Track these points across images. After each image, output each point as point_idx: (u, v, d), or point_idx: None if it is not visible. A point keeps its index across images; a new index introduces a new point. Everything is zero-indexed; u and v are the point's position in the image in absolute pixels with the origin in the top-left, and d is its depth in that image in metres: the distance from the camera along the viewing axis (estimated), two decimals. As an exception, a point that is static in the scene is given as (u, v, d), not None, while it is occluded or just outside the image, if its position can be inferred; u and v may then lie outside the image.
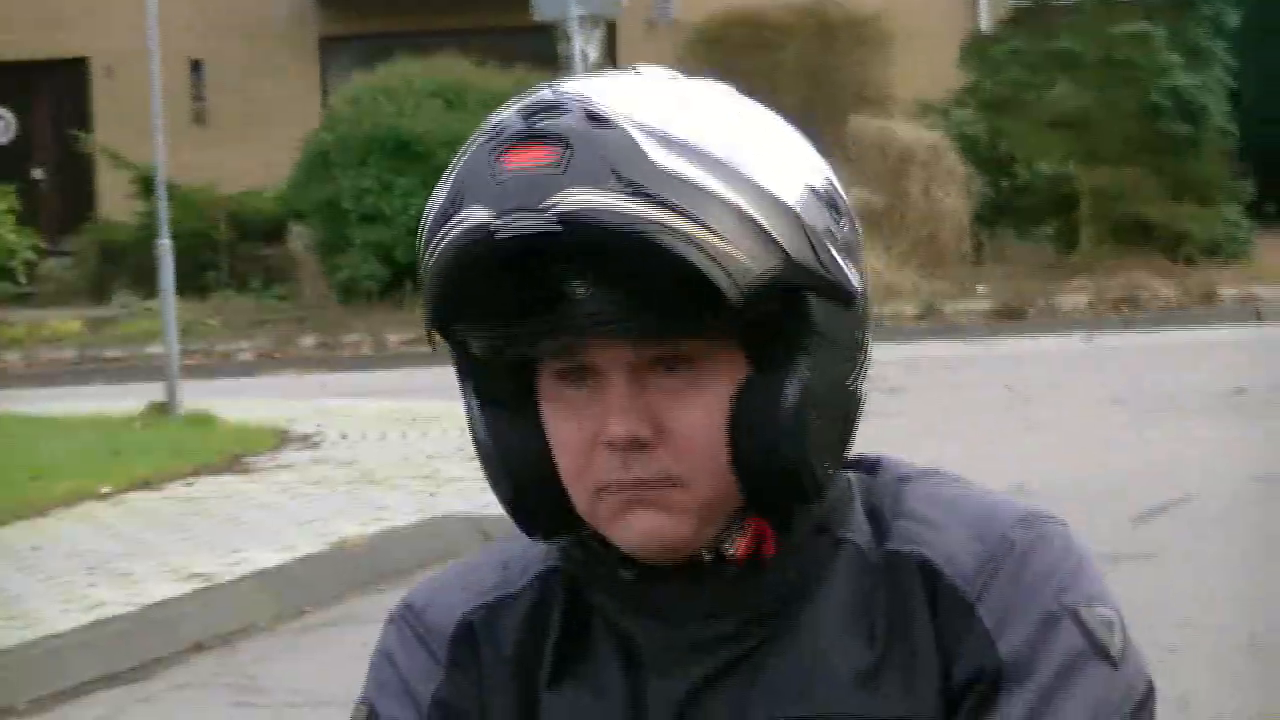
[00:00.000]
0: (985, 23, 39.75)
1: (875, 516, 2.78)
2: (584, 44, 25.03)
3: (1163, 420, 22.50)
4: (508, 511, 2.74)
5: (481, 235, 2.52)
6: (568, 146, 2.51)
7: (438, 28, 39.43)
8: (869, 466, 2.83)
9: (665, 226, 2.48)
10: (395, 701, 2.88)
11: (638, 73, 2.69)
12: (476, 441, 2.74)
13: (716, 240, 2.51)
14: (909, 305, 33.26)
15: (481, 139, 2.59)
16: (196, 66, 39.99)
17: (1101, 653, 2.70)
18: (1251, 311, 32.74)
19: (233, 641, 15.06)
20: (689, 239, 2.49)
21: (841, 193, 2.71)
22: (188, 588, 15.85)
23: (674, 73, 2.71)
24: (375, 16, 40.86)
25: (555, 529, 2.73)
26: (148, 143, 28.22)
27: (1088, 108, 37.11)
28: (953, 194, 35.93)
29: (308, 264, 37.25)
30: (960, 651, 2.70)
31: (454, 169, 2.61)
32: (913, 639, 2.72)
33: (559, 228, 2.48)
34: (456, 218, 2.55)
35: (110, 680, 14.10)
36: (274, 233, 38.23)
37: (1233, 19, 38.38)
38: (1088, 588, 2.74)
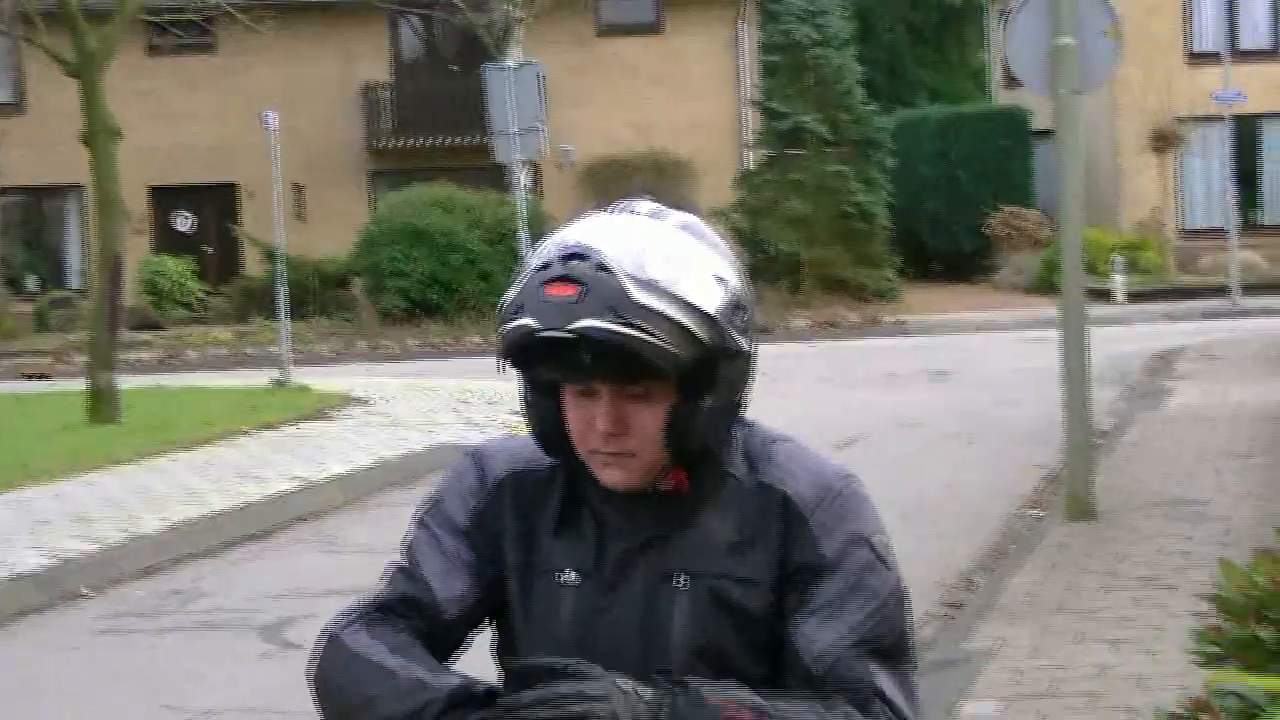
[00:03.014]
0: (751, 163, 39.82)
1: (750, 457, 2.81)
2: (521, 175, 25.03)
3: (852, 391, 22.65)
4: (537, 444, 2.79)
5: (530, 333, 2.58)
6: (584, 287, 2.57)
7: (437, 165, 39.36)
8: (743, 422, 2.83)
9: (635, 340, 2.56)
10: (455, 502, 2.88)
11: (633, 211, 2.70)
12: (525, 408, 2.78)
13: (663, 346, 2.58)
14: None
15: (536, 266, 2.63)
16: (299, 187, 39.80)
17: (883, 563, 2.76)
18: (901, 329, 32.92)
19: (321, 516, 15.09)
20: (648, 345, 2.57)
21: (746, 290, 2.74)
22: (295, 485, 15.85)
23: (657, 208, 2.72)
24: (400, 159, 40.80)
25: (560, 453, 2.77)
26: (272, 231, 28.22)
27: (808, 213, 37.22)
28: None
29: (362, 300, 37.07)
30: (795, 548, 2.74)
31: (523, 279, 2.64)
32: (767, 537, 2.75)
33: (575, 338, 2.56)
34: (518, 319, 2.60)
35: (249, 539, 14.11)
36: (343, 282, 37.98)
37: (891, 160, 38.46)
38: (876, 522, 2.80)
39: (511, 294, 2.64)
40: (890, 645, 2.73)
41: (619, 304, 2.55)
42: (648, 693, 2.61)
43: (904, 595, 2.78)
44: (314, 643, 2.86)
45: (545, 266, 2.61)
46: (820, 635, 2.71)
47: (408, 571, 2.86)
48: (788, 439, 2.87)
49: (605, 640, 2.76)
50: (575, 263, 2.59)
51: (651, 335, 2.56)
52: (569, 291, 2.56)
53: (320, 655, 2.84)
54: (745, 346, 2.71)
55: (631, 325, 2.55)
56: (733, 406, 2.74)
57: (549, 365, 2.64)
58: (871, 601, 2.72)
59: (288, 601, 11.52)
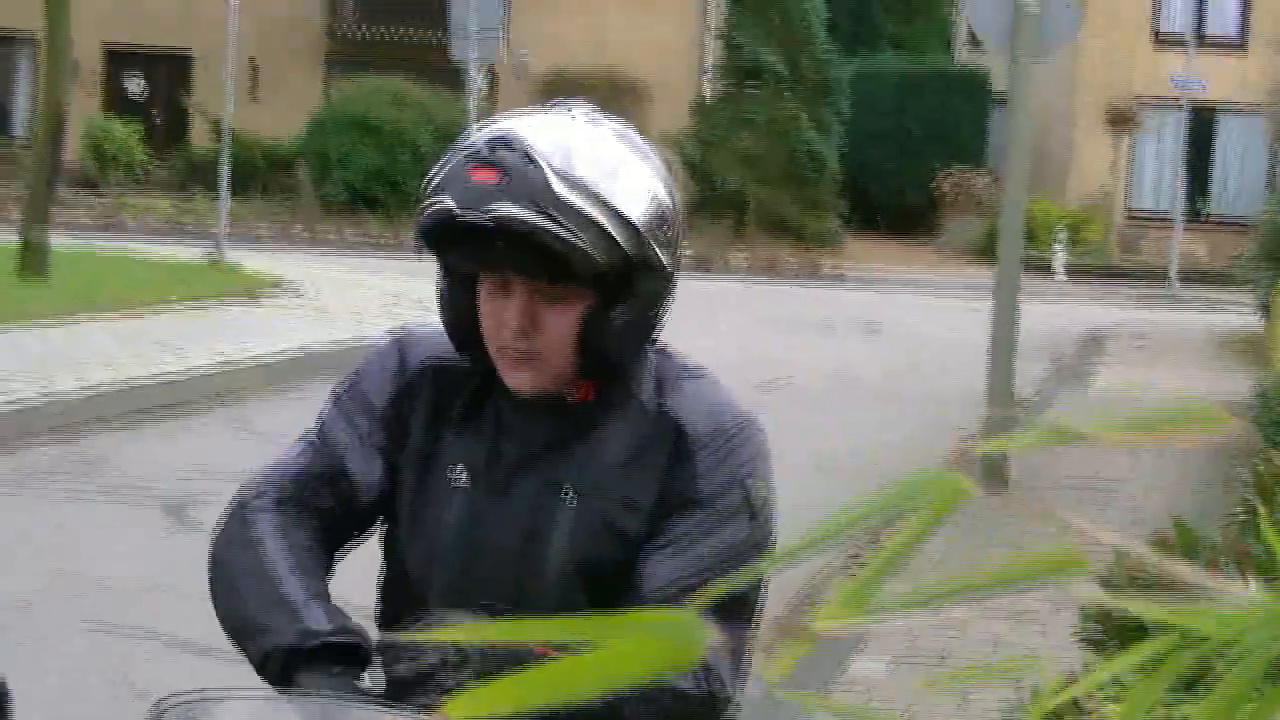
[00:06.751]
0: (708, 93, 39.61)
1: (660, 383, 2.77)
2: (477, 77, 24.83)
3: (782, 334, 22.67)
4: (449, 338, 2.75)
5: (448, 216, 2.55)
6: (508, 174, 2.53)
7: (396, 59, 39.06)
8: (661, 350, 2.81)
9: (552, 234, 2.52)
10: (374, 383, 2.85)
11: (570, 114, 2.66)
12: (440, 300, 2.74)
13: (581, 244, 2.54)
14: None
15: (464, 150, 2.60)
16: (254, 64, 39.41)
17: (750, 512, 2.71)
18: (839, 279, 32.98)
19: (239, 397, 15.01)
20: (565, 242, 2.53)
21: (674, 205, 2.69)
22: (216, 362, 15.77)
23: (594, 114, 2.68)
24: (359, 49, 40.40)
25: (470, 349, 2.73)
26: (222, 105, 27.93)
27: (759, 152, 37.12)
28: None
29: (305, 186, 36.91)
30: (677, 480, 2.71)
31: (447, 162, 2.61)
32: (655, 464, 2.72)
33: (492, 224, 2.52)
34: (439, 198, 2.56)
35: (166, 410, 14.05)
36: (289, 166, 37.83)
37: (847, 108, 38.29)
38: (760, 472, 2.75)
39: (435, 173, 2.61)
40: (732, 599, 2.57)
41: (540, 196, 2.52)
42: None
43: (764, 551, 2.74)
44: (224, 511, 2.81)
45: (473, 151, 2.59)
46: (662, 567, 2.68)
47: (319, 448, 2.82)
48: (701, 374, 2.85)
49: (487, 546, 2.74)
50: (502, 150, 2.56)
51: (570, 232, 2.53)
52: (492, 177, 2.54)
53: (226, 526, 2.79)
54: (667, 262, 2.67)
55: (551, 219, 2.52)
56: (648, 322, 2.70)
57: (464, 250, 2.61)
58: (726, 546, 2.68)
59: (194, 481, 11.45)
